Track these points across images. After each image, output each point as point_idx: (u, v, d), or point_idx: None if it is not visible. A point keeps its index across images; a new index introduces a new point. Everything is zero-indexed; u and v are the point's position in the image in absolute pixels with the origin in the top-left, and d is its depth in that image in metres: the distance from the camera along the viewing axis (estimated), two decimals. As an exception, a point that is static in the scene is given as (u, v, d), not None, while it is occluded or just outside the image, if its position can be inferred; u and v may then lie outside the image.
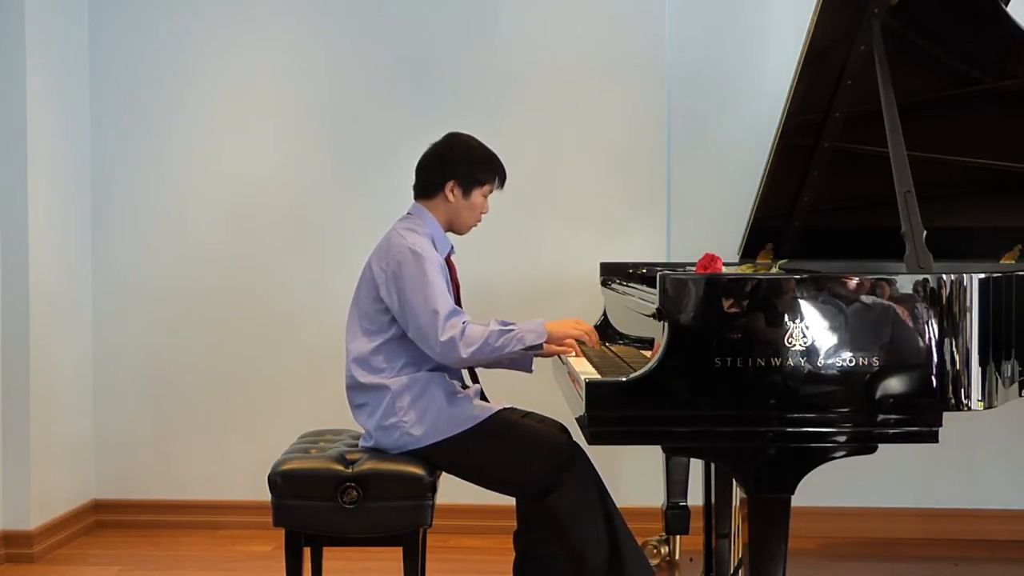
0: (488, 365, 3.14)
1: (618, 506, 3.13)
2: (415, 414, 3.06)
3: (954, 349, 2.64)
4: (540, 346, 3.01)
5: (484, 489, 3.17)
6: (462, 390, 3.16)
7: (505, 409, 3.15)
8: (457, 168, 3.18)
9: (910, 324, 2.62)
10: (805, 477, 2.61)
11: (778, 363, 2.57)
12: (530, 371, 3.24)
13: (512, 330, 2.98)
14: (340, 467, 3.03)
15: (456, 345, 2.95)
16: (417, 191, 3.25)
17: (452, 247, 3.27)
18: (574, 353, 3.08)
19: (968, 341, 2.65)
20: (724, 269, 3.06)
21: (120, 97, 4.69)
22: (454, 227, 3.25)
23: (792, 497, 2.62)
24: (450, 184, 3.18)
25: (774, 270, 3.46)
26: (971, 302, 2.66)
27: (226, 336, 4.69)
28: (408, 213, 3.24)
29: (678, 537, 4.05)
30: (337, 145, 4.65)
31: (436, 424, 3.05)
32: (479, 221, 3.28)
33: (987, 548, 4.35)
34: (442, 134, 3.29)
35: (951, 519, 4.47)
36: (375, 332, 3.11)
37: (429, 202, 3.22)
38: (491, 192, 3.25)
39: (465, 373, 3.27)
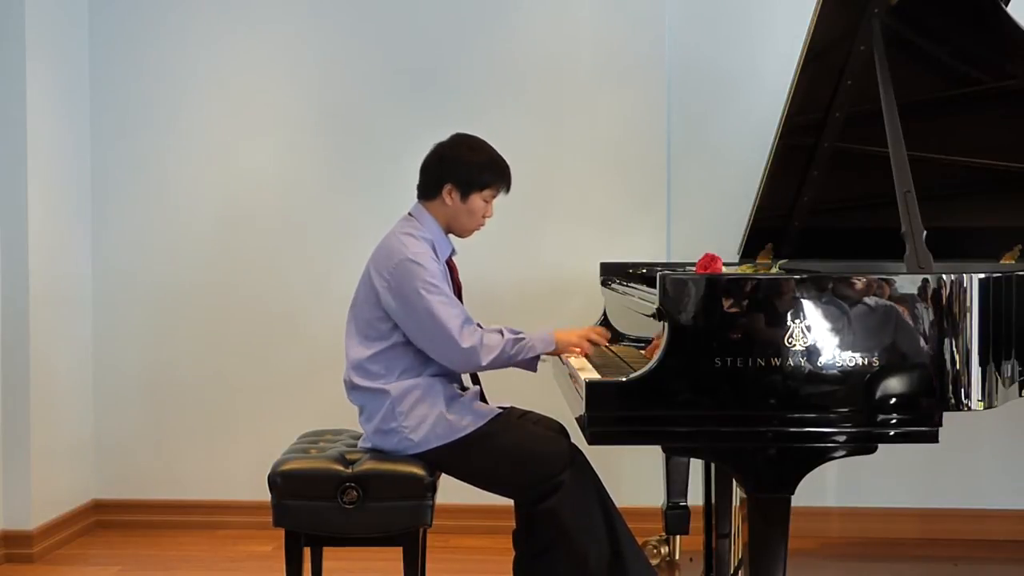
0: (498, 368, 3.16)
1: (618, 506, 3.13)
2: (414, 420, 3.04)
3: (954, 349, 2.64)
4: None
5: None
6: (462, 393, 3.15)
7: (503, 411, 3.15)
8: (455, 171, 3.13)
9: (910, 324, 2.62)
10: (805, 477, 2.61)
11: (778, 363, 2.57)
12: (535, 371, 3.23)
13: (524, 339, 3.06)
14: (340, 467, 3.02)
15: (478, 353, 3.00)
16: (419, 191, 3.21)
17: (454, 249, 3.24)
18: (581, 353, 3.10)
19: (968, 341, 2.65)
20: (724, 269, 3.06)
21: (120, 97, 4.69)
22: (453, 230, 3.20)
23: (792, 497, 2.62)
24: (448, 187, 3.13)
25: (774, 270, 3.46)
26: (971, 302, 2.66)
27: (226, 336, 4.69)
28: (409, 214, 3.20)
29: (678, 537, 4.05)
30: (337, 144, 4.65)
31: (435, 430, 3.04)
32: (481, 226, 3.23)
33: (987, 548, 4.35)
34: (442, 134, 3.27)
35: (951, 519, 4.46)
36: (375, 339, 3.08)
37: (429, 203, 3.18)
38: (493, 197, 3.19)
39: (466, 375, 3.26)
